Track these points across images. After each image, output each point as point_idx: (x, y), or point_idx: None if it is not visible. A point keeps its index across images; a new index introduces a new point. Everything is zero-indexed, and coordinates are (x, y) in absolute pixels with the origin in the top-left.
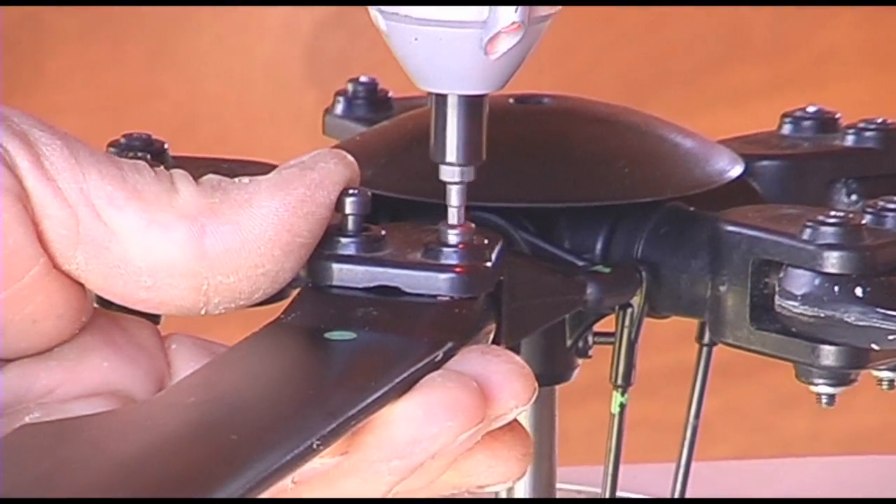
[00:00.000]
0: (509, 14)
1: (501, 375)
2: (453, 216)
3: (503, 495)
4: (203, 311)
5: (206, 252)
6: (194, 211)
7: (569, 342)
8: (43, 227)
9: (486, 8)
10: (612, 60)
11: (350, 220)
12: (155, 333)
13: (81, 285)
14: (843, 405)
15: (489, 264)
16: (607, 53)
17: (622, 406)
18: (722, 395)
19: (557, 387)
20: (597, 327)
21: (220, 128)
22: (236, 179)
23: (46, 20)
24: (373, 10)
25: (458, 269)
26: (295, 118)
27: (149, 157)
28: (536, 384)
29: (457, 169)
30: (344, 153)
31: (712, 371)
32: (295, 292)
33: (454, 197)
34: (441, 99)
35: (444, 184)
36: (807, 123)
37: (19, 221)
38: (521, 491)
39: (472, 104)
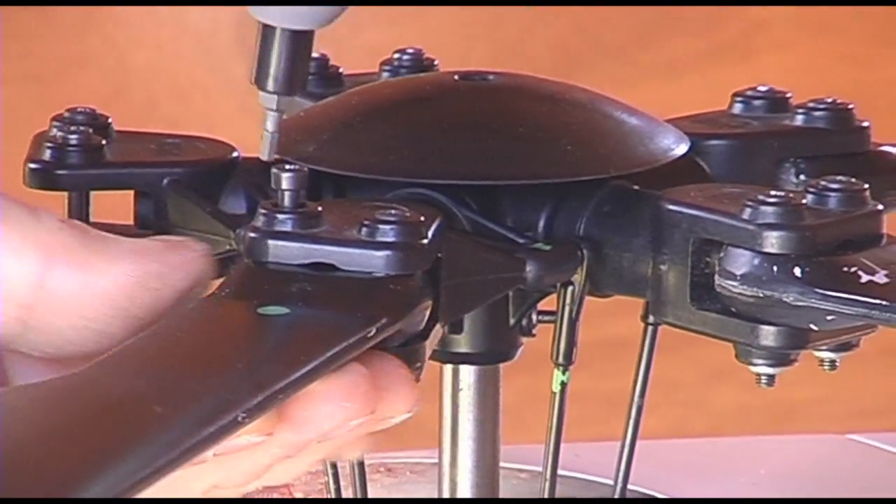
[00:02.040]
0: None
1: (395, 378)
2: (267, 143)
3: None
4: (13, 345)
5: (44, 284)
6: (50, 244)
7: (512, 321)
8: None
9: None
10: (543, 32)
11: (286, 195)
12: None
13: None
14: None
15: (425, 241)
16: (539, 25)
17: (563, 385)
18: (652, 369)
19: (501, 365)
20: (540, 306)
21: (149, 97)
22: (102, 233)
23: None
24: None
25: (393, 246)
26: (226, 89)
27: (91, 131)
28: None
29: (279, 97)
30: (207, 250)
31: (637, 343)
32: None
33: (270, 123)
34: (269, 31)
35: (265, 110)
36: (757, 103)
37: None
38: (465, 470)
39: (303, 40)
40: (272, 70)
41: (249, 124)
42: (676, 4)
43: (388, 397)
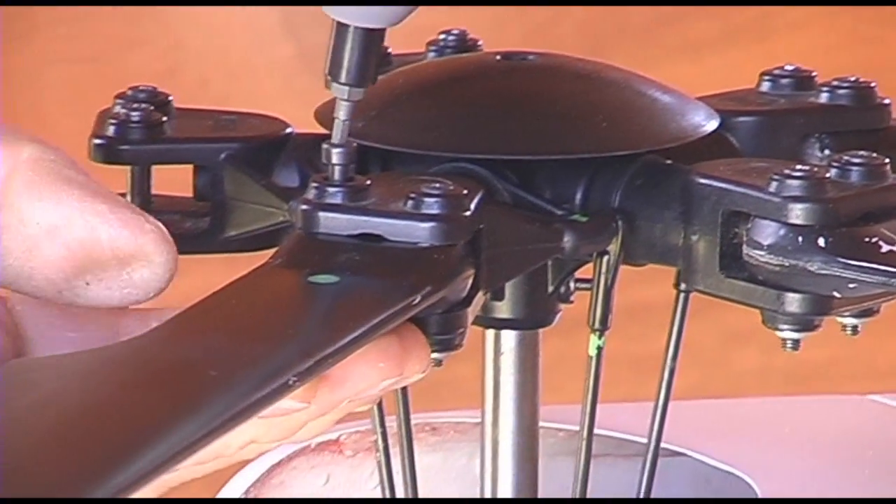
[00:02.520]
0: None
1: (414, 342)
2: (338, 132)
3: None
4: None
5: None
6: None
7: (550, 288)
8: None
9: None
10: (572, 13)
11: (336, 169)
12: None
13: None
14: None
15: (468, 213)
16: (565, 8)
17: (599, 349)
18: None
19: (540, 330)
20: (578, 274)
21: (200, 77)
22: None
23: None
24: None
25: (437, 218)
26: (271, 69)
27: (152, 108)
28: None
29: (346, 89)
30: (163, 234)
31: (666, 310)
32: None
33: (343, 111)
34: (343, 28)
35: (338, 100)
36: (784, 81)
37: None
38: (507, 429)
39: (374, 38)
40: (345, 63)
41: (294, 101)
42: None
43: (411, 359)
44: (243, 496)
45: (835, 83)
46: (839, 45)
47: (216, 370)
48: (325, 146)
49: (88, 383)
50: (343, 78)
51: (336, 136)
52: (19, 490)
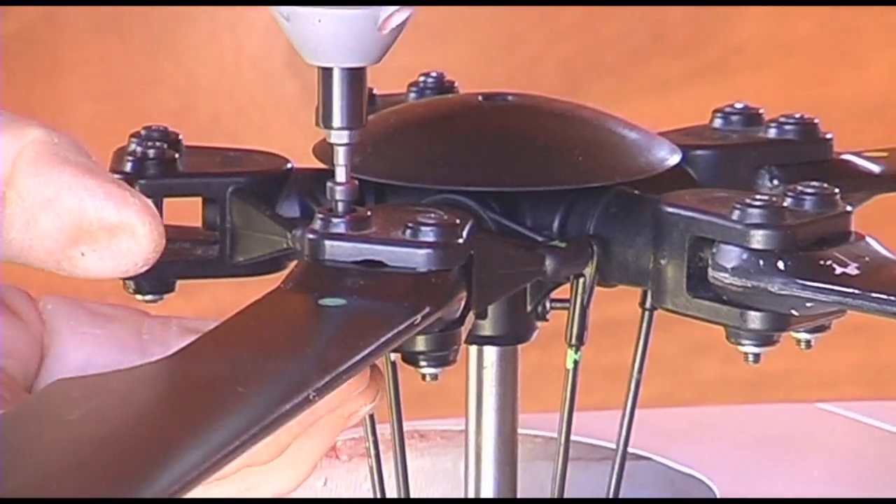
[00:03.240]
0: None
1: (378, 373)
2: (340, 174)
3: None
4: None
5: None
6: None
7: (529, 307)
8: None
9: None
10: (551, 54)
11: (339, 205)
12: (27, 298)
13: None
14: None
15: (461, 241)
16: (547, 48)
17: (576, 363)
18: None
19: (519, 346)
20: (554, 295)
21: (213, 112)
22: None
23: (63, 18)
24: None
25: (433, 245)
26: (278, 105)
27: (165, 146)
28: None
29: (344, 132)
30: (151, 209)
31: (635, 324)
32: (293, 264)
33: (341, 157)
34: (328, 71)
35: (332, 146)
36: (735, 118)
37: None
38: (489, 436)
39: (358, 75)
40: (335, 108)
41: (298, 135)
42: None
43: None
44: None
45: (781, 119)
46: (793, 85)
47: (243, 386)
48: (329, 185)
49: (128, 400)
50: (336, 123)
51: (339, 178)
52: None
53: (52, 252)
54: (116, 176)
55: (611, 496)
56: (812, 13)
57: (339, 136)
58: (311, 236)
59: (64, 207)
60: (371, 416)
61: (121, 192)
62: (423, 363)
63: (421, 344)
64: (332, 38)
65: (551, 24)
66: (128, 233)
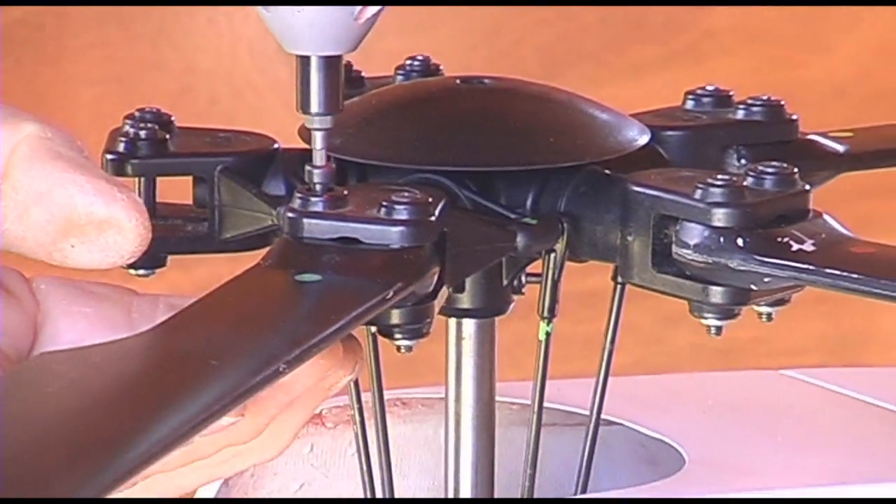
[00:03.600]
0: None
1: (356, 344)
2: (318, 157)
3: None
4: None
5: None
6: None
7: (505, 282)
8: None
9: None
10: (532, 40)
11: (317, 186)
12: (22, 278)
13: None
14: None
15: (433, 218)
16: (528, 34)
17: (548, 334)
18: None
19: (496, 318)
20: (529, 269)
21: (210, 95)
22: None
23: (68, 7)
24: None
25: (406, 223)
26: (271, 88)
27: (157, 127)
28: None
29: (321, 118)
30: (136, 201)
31: (609, 295)
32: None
33: (318, 141)
34: (305, 60)
35: (310, 130)
36: (705, 100)
37: None
38: (468, 404)
39: (334, 63)
40: (313, 94)
41: (291, 117)
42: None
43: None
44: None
45: (749, 101)
46: (762, 68)
47: (216, 359)
48: (308, 168)
49: (105, 372)
50: (313, 109)
51: (317, 161)
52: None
53: (43, 244)
54: (109, 156)
55: (585, 460)
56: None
57: (316, 122)
58: (290, 214)
59: (55, 202)
60: (356, 385)
61: (109, 189)
62: (397, 335)
63: (395, 317)
64: (309, 28)
65: (532, 12)
66: (115, 227)
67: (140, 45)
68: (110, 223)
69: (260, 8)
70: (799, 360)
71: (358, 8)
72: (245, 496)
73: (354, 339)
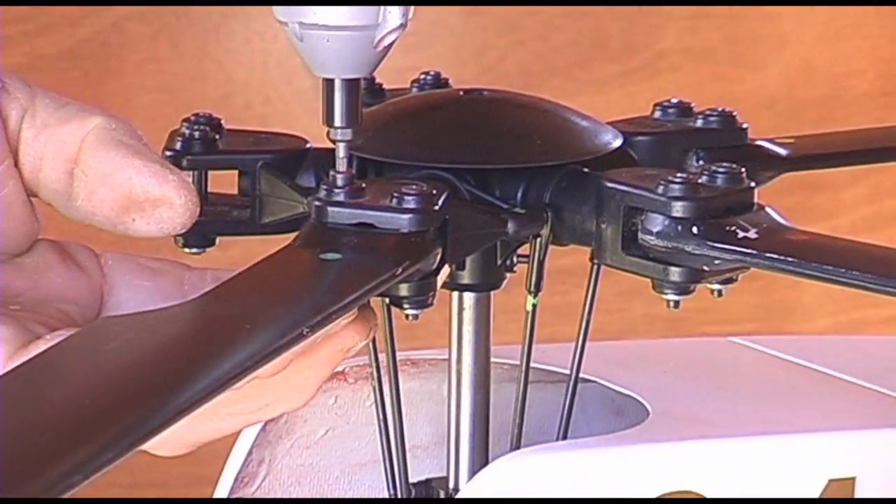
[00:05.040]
0: (397, 17)
1: (371, 314)
2: (341, 164)
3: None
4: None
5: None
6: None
7: (499, 261)
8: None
9: (379, 13)
10: (513, 58)
11: (339, 179)
12: (92, 253)
13: (33, 209)
14: None
15: (437, 207)
16: (510, 53)
17: (534, 306)
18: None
19: (492, 292)
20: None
21: (246, 102)
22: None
23: (128, 27)
24: (291, 24)
25: (414, 211)
26: (297, 96)
27: (208, 129)
28: None
29: (343, 131)
30: (187, 185)
31: (577, 271)
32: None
33: (341, 150)
34: (330, 82)
35: (334, 141)
36: (670, 110)
37: None
38: (467, 364)
39: (354, 84)
40: (336, 111)
41: (313, 121)
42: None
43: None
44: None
45: (707, 112)
46: (707, 83)
47: (249, 324)
48: (332, 173)
49: (155, 333)
50: (336, 123)
51: (339, 167)
52: (105, 406)
53: (109, 217)
54: (168, 153)
55: (565, 412)
56: (719, 25)
57: (339, 134)
58: (316, 203)
59: (117, 183)
60: (374, 347)
61: (162, 171)
62: (406, 306)
63: (404, 290)
64: (335, 55)
65: (513, 34)
66: (167, 204)
67: (187, 60)
68: (163, 200)
69: (293, 37)
70: (735, 328)
71: (377, 37)
72: (279, 440)
73: (370, 310)
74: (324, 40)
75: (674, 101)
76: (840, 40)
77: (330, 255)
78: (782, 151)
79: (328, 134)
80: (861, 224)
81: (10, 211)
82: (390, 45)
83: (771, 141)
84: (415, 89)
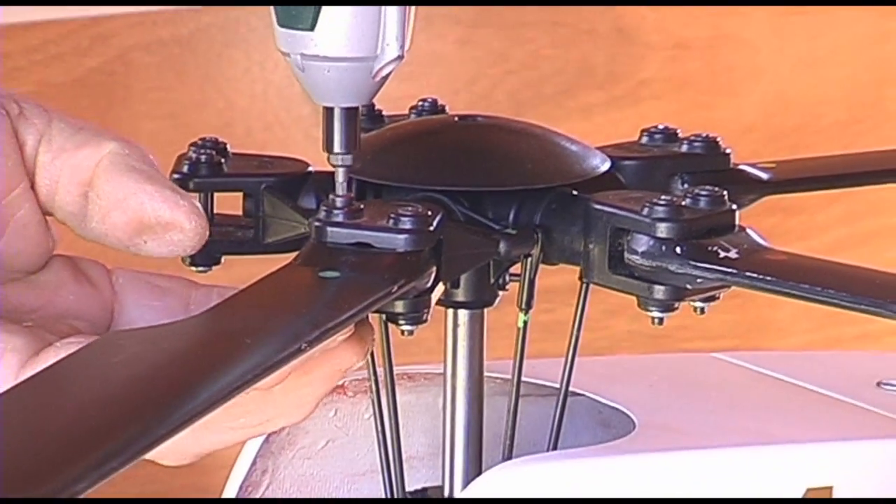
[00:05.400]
0: (395, 49)
1: (368, 334)
2: (340, 188)
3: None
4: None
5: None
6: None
7: (492, 280)
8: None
9: (378, 45)
10: (503, 86)
11: (338, 201)
12: (104, 270)
13: (48, 229)
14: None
15: (431, 228)
16: (500, 82)
17: (525, 322)
18: (571, 306)
19: (486, 309)
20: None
21: (246, 128)
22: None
23: (134, 57)
24: (293, 55)
25: (409, 231)
26: (295, 123)
27: (214, 153)
28: None
29: (342, 157)
30: (196, 211)
31: (564, 290)
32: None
33: (340, 175)
34: (330, 110)
35: (333, 166)
36: (657, 136)
37: (11, 150)
38: (461, 378)
39: (353, 112)
40: (335, 138)
41: (311, 146)
42: None
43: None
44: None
45: (692, 137)
46: (686, 110)
47: (250, 339)
48: (331, 196)
49: (160, 347)
50: (336, 149)
51: (339, 191)
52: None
53: (121, 239)
54: (175, 176)
55: (555, 424)
56: (699, 56)
57: (338, 160)
58: (316, 223)
59: (130, 207)
60: (372, 362)
61: (173, 196)
62: (401, 322)
63: (400, 307)
64: (335, 84)
65: (503, 64)
66: (178, 228)
67: (190, 89)
68: (174, 224)
69: (295, 67)
70: (714, 345)
71: (376, 67)
72: (282, 450)
73: (367, 329)
74: (324, 71)
75: (660, 126)
76: (813, 71)
77: (329, 273)
78: (763, 175)
79: (328, 159)
80: (835, 245)
81: (25, 231)
82: (388, 75)
83: (753, 165)
84: (413, 115)
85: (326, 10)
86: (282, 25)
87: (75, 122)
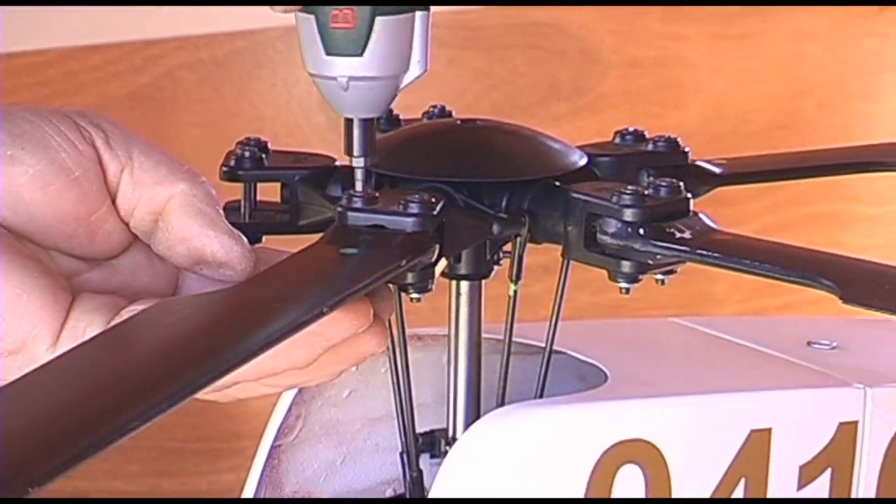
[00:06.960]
0: (421, 66)
1: (382, 328)
2: (359, 185)
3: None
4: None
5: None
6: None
7: (488, 256)
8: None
9: (409, 63)
10: (486, 98)
11: (357, 192)
12: None
13: (129, 232)
14: (613, 286)
15: (435, 212)
16: (483, 95)
17: (515, 292)
18: (546, 280)
19: (483, 281)
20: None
21: (272, 134)
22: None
23: (180, 75)
24: (339, 78)
25: (416, 215)
26: (314, 130)
27: (257, 149)
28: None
29: (361, 159)
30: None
31: (541, 267)
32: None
33: (359, 175)
34: (351, 121)
35: (353, 167)
36: (627, 137)
37: (95, 175)
38: (462, 339)
39: (370, 122)
40: (355, 143)
41: (327, 149)
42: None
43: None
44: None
45: (656, 138)
46: (641, 118)
47: (278, 304)
48: (351, 192)
49: (205, 310)
50: (355, 153)
51: (358, 188)
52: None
53: (181, 263)
54: (224, 168)
55: (540, 377)
56: (649, 73)
57: (358, 162)
58: (339, 208)
59: (193, 246)
60: (388, 324)
61: (230, 242)
62: (410, 290)
63: (409, 278)
64: (354, 98)
65: (486, 80)
66: (230, 267)
67: (226, 101)
68: (228, 265)
69: (319, 82)
70: (662, 313)
71: (404, 82)
72: (312, 399)
73: (381, 326)
74: (343, 86)
75: (630, 129)
76: (745, 85)
77: (349, 250)
78: (717, 170)
79: (350, 161)
80: (762, 230)
81: (110, 237)
82: (400, 89)
83: (708, 162)
84: (425, 119)
85: (374, 37)
86: (330, 54)
87: (153, 154)
